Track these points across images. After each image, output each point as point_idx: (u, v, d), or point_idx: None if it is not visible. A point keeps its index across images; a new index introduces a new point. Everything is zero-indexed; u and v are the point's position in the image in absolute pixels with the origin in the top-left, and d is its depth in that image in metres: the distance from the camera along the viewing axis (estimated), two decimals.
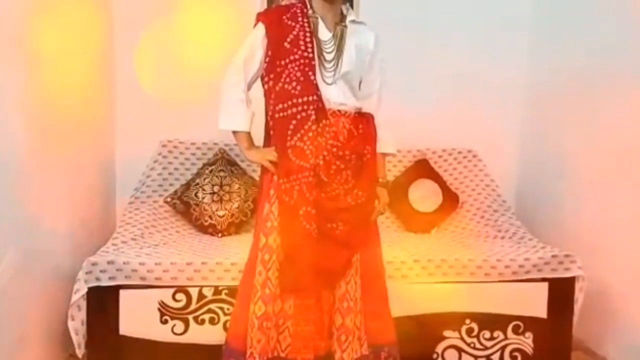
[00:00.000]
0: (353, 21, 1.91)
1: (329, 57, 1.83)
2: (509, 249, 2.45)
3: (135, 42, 2.93)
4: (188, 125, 2.90)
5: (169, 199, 2.68)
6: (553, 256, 2.33)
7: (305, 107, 1.78)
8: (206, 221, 2.65)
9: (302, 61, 1.79)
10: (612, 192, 2.50)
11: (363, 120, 1.91)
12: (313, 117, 1.78)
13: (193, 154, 2.88)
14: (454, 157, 3.07)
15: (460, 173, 3.03)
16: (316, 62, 1.82)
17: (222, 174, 2.71)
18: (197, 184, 2.69)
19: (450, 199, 2.89)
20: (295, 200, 1.78)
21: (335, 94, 1.84)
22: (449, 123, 3.08)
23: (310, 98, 1.79)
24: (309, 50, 1.80)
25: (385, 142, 1.99)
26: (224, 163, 2.74)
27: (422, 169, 2.95)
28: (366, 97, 1.95)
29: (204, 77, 2.78)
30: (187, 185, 2.71)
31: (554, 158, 2.95)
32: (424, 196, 2.88)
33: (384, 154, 2.01)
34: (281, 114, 1.80)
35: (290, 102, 1.79)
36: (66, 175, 2.38)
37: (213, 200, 2.67)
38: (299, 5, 1.87)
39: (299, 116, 1.78)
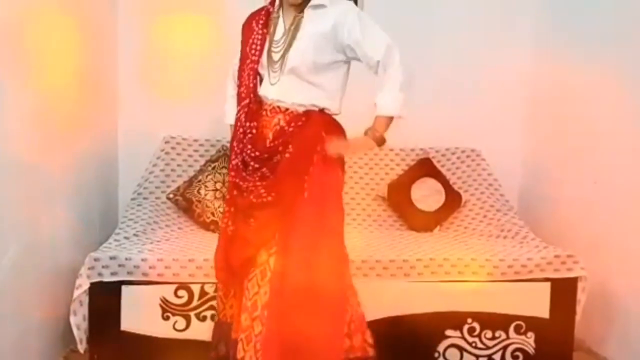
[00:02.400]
0: (312, 6, 1.79)
1: (276, 57, 1.82)
2: (512, 248, 2.45)
3: (139, 38, 2.93)
4: (191, 122, 2.90)
5: (171, 196, 2.68)
6: (556, 256, 2.32)
7: (242, 109, 1.88)
8: (208, 218, 2.65)
9: (251, 65, 1.87)
10: (616, 192, 2.49)
11: (302, 119, 1.80)
12: (243, 119, 1.87)
13: (196, 151, 2.88)
14: (457, 156, 3.06)
15: (464, 172, 3.02)
16: (265, 64, 1.85)
17: (224, 170, 2.71)
18: (200, 180, 2.69)
19: (453, 198, 2.89)
20: (227, 197, 1.93)
21: (274, 92, 1.83)
22: (452, 122, 3.07)
23: (246, 101, 1.87)
24: (257, 54, 1.85)
25: (382, 106, 1.78)
26: (226, 160, 2.73)
27: (425, 167, 2.94)
28: (373, 69, 1.80)
29: (207, 74, 2.80)
30: (190, 182, 2.71)
31: (557, 158, 2.95)
32: (426, 195, 2.87)
33: (383, 117, 1.79)
34: (236, 117, 1.91)
35: (240, 106, 1.90)
36: (69, 171, 2.38)
37: (215, 197, 2.66)
38: (268, 7, 1.90)
39: (240, 119, 1.88)
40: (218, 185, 2.69)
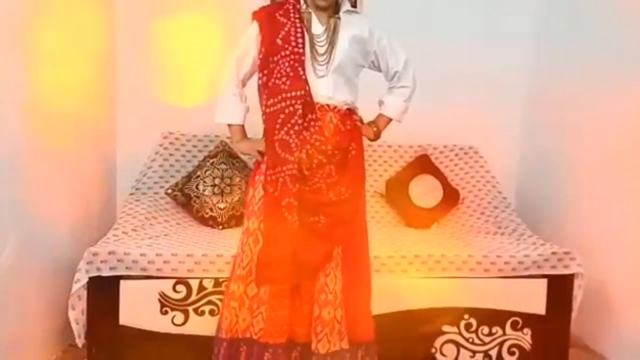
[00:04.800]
0: (347, 11, 1.93)
1: (321, 50, 1.87)
2: (509, 245, 2.46)
3: (137, 34, 2.93)
4: (189, 118, 2.90)
5: (169, 191, 2.68)
6: (553, 253, 2.34)
7: (293, 101, 1.84)
8: (207, 213, 2.65)
9: (292, 57, 1.84)
10: (613, 189, 2.50)
11: (352, 117, 1.95)
12: (300, 111, 1.83)
13: (194, 146, 2.88)
14: (455, 153, 3.07)
15: (461, 169, 3.03)
16: (308, 56, 1.86)
17: (223, 166, 2.72)
18: (198, 176, 2.69)
19: (451, 195, 2.90)
20: (279, 192, 1.84)
21: (324, 88, 1.87)
22: (450, 119, 3.07)
23: (298, 93, 1.83)
24: (300, 45, 1.84)
25: (388, 107, 2.03)
26: (225, 156, 2.74)
27: (423, 164, 2.95)
28: (388, 77, 2.02)
29: (206, 69, 2.80)
30: (188, 178, 2.71)
31: (555, 155, 2.96)
32: (424, 192, 2.88)
33: (385, 117, 2.04)
34: (271, 109, 1.86)
35: (280, 97, 1.85)
36: (67, 166, 2.38)
37: (214, 193, 2.67)
38: (293, 1, 1.90)
39: (287, 110, 1.84)
40: (217, 181, 2.69)
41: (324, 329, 1.86)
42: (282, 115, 1.84)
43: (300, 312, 1.88)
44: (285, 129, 1.84)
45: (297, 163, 1.84)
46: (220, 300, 2.13)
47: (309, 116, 1.84)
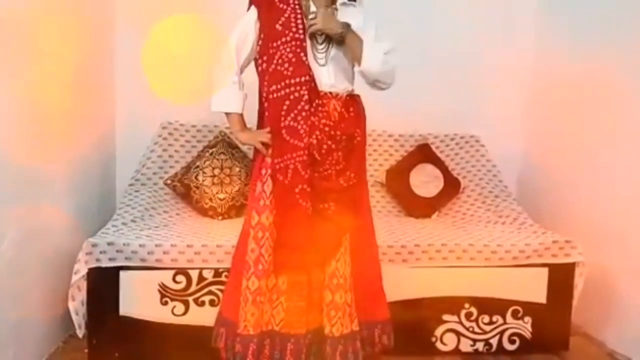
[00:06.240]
0: (344, 3, 1.91)
1: (320, 39, 1.86)
2: (510, 234, 2.45)
3: (136, 24, 2.90)
4: (188, 107, 2.87)
5: (169, 182, 2.67)
6: (554, 242, 2.33)
7: (298, 87, 1.81)
8: (206, 204, 2.64)
9: (293, 42, 1.81)
10: (614, 178, 2.49)
11: (354, 103, 1.93)
12: (306, 97, 1.81)
13: (193, 137, 2.87)
14: (456, 142, 3.06)
15: (462, 158, 3.02)
16: (308, 44, 1.84)
17: (222, 156, 2.70)
18: (198, 166, 2.68)
19: (452, 184, 2.89)
20: (290, 179, 1.81)
21: (326, 76, 1.86)
22: (451, 108, 3.06)
23: (303, 79, 1.81)
24: (300, 31, 1.82)
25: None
26: (224, 146, 2.73)
27: (424, 153, 2.94)
28: None
29: (204, 59, 2.77)
30: (188, 168, 2.70)
31: (556, 144, 2.94)
32: (425, 181, 2.87)
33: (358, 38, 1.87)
34: (275, 95, 1.83)
35: (283, 83, 1.82)
36: (66, 156, 2.37)
37: (213, 183, 2.66)
38: None
39: (292, 96, 1.81)
40: (216, 172, 2.68)
41: (337, 313, 1.86)
42: (287, 102, 1.81)
43: (311, 299, 1.87)
44: (292, 115, 1.81)
45: (307, 149, 1.81)
46: (221, 290, 2.14)
47: (316, 102, 1.83)
